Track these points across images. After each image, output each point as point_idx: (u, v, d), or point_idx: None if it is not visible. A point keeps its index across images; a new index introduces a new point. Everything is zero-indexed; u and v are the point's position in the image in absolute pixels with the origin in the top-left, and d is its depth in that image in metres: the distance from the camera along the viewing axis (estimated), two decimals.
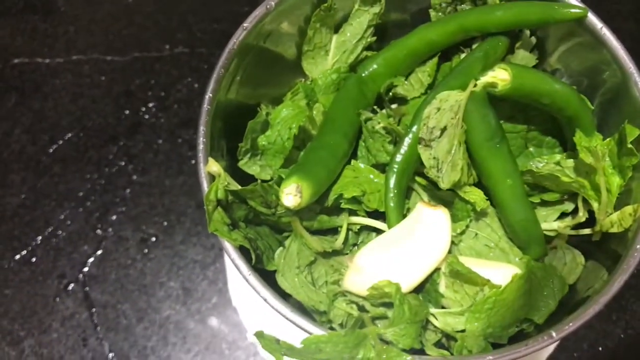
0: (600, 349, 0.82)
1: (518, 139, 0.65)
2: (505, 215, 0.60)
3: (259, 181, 0.55)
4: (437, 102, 0.57)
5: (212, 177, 0.56)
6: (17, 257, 0.87)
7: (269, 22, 0.63)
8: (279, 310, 0.51)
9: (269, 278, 0.58)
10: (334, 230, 0.63)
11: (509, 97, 0.59)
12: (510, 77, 0.57)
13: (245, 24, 0.61)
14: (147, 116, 0.95)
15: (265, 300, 0.52)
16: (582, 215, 0.62)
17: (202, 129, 0.57)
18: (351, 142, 0.63)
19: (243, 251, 0.55)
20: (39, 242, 0.88)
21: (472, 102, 0.57)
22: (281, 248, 0.58)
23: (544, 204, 0.63)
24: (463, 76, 0.61)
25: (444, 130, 0.57)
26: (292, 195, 0.53)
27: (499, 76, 0.58)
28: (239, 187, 0.55)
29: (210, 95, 0.58)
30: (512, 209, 0.59)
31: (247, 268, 0.53)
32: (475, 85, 0.57)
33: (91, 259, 0.88)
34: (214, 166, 0.55)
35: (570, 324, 0.51)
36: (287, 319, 0.51)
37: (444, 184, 0.57)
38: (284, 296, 0.58)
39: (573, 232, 0.62)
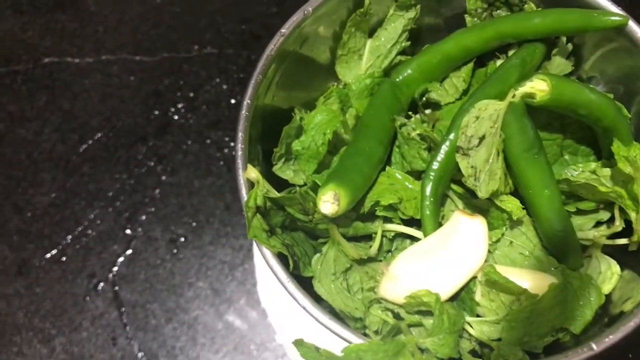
0: (630, 355, 0.82)
1: (554, 146, 0.65)
2: (543, 225, 0.60)
3: (297, 188, 0.55)
4: (476, 111, 0.56)
5: (250, 184, 0.56)
6: (48, 255, 0.88)
7: (306, 27, 0.63)
8: (317, 318, 0.52)
9: (303, 284, 0.58)
10: (368, 237, 0.63)
11: (546, 107, 0.58)
12: (549, 88, 0.57)
13: (283, 30, 0.61)
14: (176, 117, 0.95)
15: (304, 308, 0.52)
16: (618, 225, 0.61)
17: (240, 135, 0.57)
18: (386, 148, 0.63)
19: (280, 257, 0.55)
20: (69, 241, 0.89)
21: (511, 112, 0.57)
22: (318, 254, 0.59)
23: (580, 212, 0.63)
24: (500, 84, 0.61)
25: (482, 139, 0.56)
26: (329, 202, 0.53)
27: (538, 87, 0.57)
28: (277, 194, 0.56)
29: (249, 101, 0.58)
30: (549, 220, 0.59)
31: (286, 275, 0.53)
32: (514, 96, 0.57)
33: (121, 259, 0.88)
34: (253, 173, 0.56)
35: (611, 337, 0.51)
36: (324, 326, 0.51)
37: (482, 193, 0.56)
38: (318, 302, 0.58)
39: (609, 242, 0.62)
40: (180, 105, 0.96)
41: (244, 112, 0.58)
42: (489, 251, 0.62)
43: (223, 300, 0.86)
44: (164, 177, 0.92)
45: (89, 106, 0.97)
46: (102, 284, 0.87)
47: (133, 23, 1.02)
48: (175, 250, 0.88)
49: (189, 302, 0.86)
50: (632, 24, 0.60)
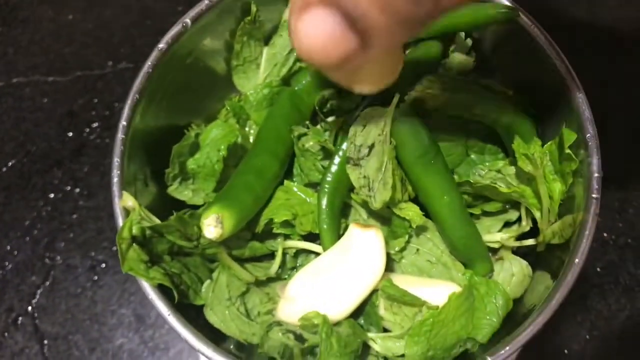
0: (565, 351, 0.80)
1: (458, 147, 0.62)
2: (446, 232, 0.57)
3: (174, 214, 0.52)
4: (362, 119, 0.54)
5: (127, 212, 0.53)
6: None
7: (187, 41, 0.60)
8: (200, 351, 0.49)
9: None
10: (272, 255, 0.60)
11: (439, 110, 0.56)
12: (439, 92, 0.54)
13: (160, 45, 0.58)
14: (92, 137, 0.92)
15: (186, 341, 0.49)
16: (525, 225, 0.59)
17: (115, 160, 0.54)
18: (283, 162, 0.60)
19: (166, 288, 0.52)
20: None
21: (401, 119, 0.54)
22: (209, 281, 0.55)
23: (486, 214, 0.60)
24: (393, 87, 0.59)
25: (371, 147, 0.54)
26: (212, 226, 0.50)
27: (427, 91, 0.55)
28: (156, 221, 0.53)
29: (124, 123, 0.55)
30: (451, 226, 0.56)
31: (167, 308, 0.50)
32: (401, 100, 0.54)
33: (40, 290, 0.85)
34: (129, 200, 0.53)
35: (507, 348, 0.48)
36: (209, 358, 0.48)
37: (376, 204, 0.54)
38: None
39: (517, 244, 0.59)
40: (95, 125, 0.92)
41: (119, 135, 0.55)
42: (396, 260, 0.60)
43: (147, 326, 0.82)
44: (81, 202, 0.88)
45: (1, 132, 0.93)
46: (21, 318, 0.83)
47: (45, 42, 0.98)
48: (95, 277, 0.85)
49: (112, 330, 0.83)
50: (525, 19, 0.57)
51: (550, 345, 0.80)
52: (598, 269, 0.83)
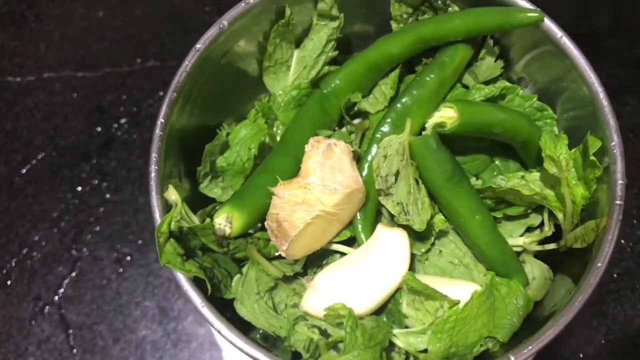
0: (581, 355, 0.81)
1: (483, 152, 0.64)
2: (482, 249, 0.59)
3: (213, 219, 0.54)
4: (382, 150, 0.56)
5: (165, 207, 0.55)
6: None
7: (223, 42, 0.62)
8: (232, 342, 0.50)
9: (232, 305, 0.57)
10: None
11: (459, 133, 0.58)
12: (457, 114, 0.56)
13: (197, 45, 0.60)
14: (119, 132, 0.94)
15: (218, 331, 0.51)
16: (548, 229, 0.60)
17: (154, 156, 0.56)
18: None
19: (199, 281, 0.54)
20: (13, 264, 0.88)
21: (424, 146, 0.57)
22: (239, 275, 0.57)
23: (508, 218, 0.62)
24: (421, 88, 0.61)
25: (397, 174, 0.56)
26: (222, 225, 0.53)
27: (446, 115, 0.57)
28: (195, 221, 0.55)
29: (162, 120, 0.57)
30: (487, 244, 0.58)
31: (201, 299, 0.52)
32: (425, 129, 0.56)
33: (66, 280, 0.87)
34: (173, 195, 0.55)
35: (530, 347, 0.50)
36: (240, 349, 0.50)
37: (418, 226, 0.56)
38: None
39: (539, 248, 0.61)
40: (123, 121, 0.94)
41: (157, 131, 0.56)
42: (421, 262, 0.61)
43: (170, 319, 0.84)
44: (108, 195, 0.91)
45: (31, 126, 0.95)
46: (48, 307, 0.86)
47: (76, 38, 1.00)
48: (121, 270, 0.87)
49: (136, 321, 0.85)
50: (553, 27, 0.59)
51: (567, 349, 0.81)
52: (615, 275, 0.84)
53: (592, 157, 0.55)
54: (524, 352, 0.49)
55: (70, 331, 0.85)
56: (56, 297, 0.86)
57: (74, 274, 0.87)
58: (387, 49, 0.64)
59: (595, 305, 0.83)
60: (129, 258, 0.87)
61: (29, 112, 0.96)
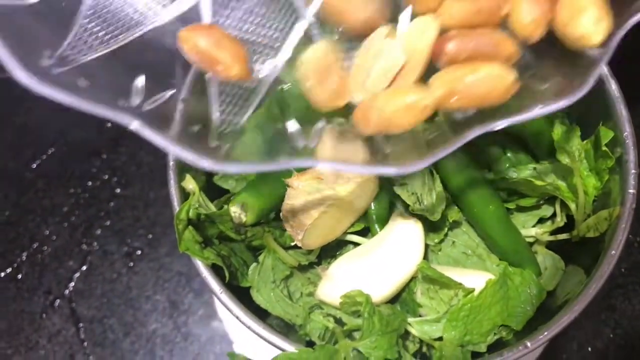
0: (589, 349, 0.82)
1: (494, 145, 0.65)
2: (496, 240, 0.60)
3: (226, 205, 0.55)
4: None
5: (184, 195, 0.56)
6: (3, 274, 0.87)
7: None
8: (250, 327, 0.51)
9: (248, 294, 0.58)
10: None
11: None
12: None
13: None
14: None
15: (237, 318, 0.51)
16: (560, 220, 0.61)
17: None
18: None
19: (216, 269, 0.54)
20: (24, 258, 0.88)
21: None
22: (255, 264, 0.58)
23: (521, 209, 0.62)
24: None
25: None
26: (238, 213, 0.54)
27: None
28: (212, 208, 0.55)
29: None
30: (501, 234, 0.59)
31: (219, 286, 0.52)
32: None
33: (77, 274, 0.87)
34: (191, 184, 0.55)
35: (545, 333, 0.50)
36: (258, 335, 0.51)
37: (434, 216, 0.56)
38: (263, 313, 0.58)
39: (552, 238, 0.61)
40: None
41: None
42: (434, 252, 0.62)
43: (181, 312, 0.85)
44: (118, 190, 0.91)
45: (42, 120, 0.96)
46: (58, 301, 0.86)
47: None
48: (131, 264, 0.87)
49: (147, 315, 0.85)
50: None
51: (575, 342, 0.82)
52: (623, 269, 0.84)
53: (605, 148, 0.56)
54: (539, 338, 0.50)
55: (81, 325, 0.85)
56: (67, 291, 0.86)
57: (84, 268, 0.88)
58: None
59: (604, 299, 0.83)
60: (139, 252, 0.88)
61: (39, 107, 0.96)
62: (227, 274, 0.54)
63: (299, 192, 0.54)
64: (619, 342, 0.82)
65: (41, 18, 0.41)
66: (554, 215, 0.63)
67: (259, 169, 0.44)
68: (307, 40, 0.46)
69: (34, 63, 0.39)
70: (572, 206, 0.59)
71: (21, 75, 0.35)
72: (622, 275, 0.84)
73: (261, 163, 0.44)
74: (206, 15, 0.44)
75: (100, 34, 0.44)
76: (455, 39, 0.41)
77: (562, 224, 0.61)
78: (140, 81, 0.45)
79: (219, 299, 0.52)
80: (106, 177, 0.92)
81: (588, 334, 0.82)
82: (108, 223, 0.90)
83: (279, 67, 0.47)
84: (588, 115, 0.62)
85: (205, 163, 0.37)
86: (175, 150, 0.37)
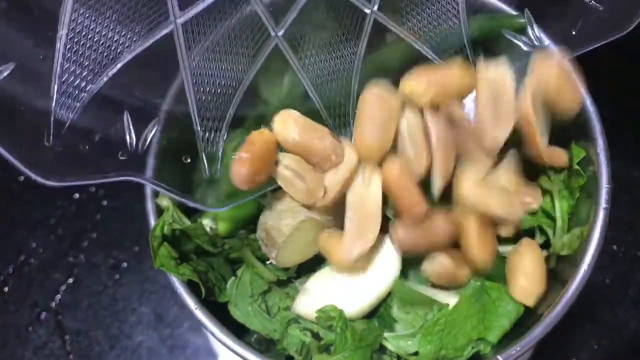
0: None
1: None
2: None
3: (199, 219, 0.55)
4: None
5: (160, 213, 0.56)
6: None
7: None
8: (225, 343, 0.51)
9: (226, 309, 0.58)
10: None
11: None
12: None
13: None
14: None
15: (212, 334, 0.51)
16: (538, 238, 0.61)
17: (151, 162, 0.57)
18: None
19: (193, 284, 0.55)
20: (11, 271, 0.88)
21: None
22: (233, 278, 0.58)
23: None
24: None
25: None
26: (209, 226, 0.54)
27: None
28: (187, 222, 0.55)
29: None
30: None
31: (194, 302, 0.52)
32: None
33: (63, 287, 0.88)
34: (165, 200, 0.56)
35: (518, 348, 0.50)
36: (232, 350, 0.51)
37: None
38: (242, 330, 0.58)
39: None
40: None
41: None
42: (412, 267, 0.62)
43: (166, 325, 0.85)
44: (105, 202, 0.92)
45: None
46: (44, 313, 0.86)
47: None
48: (117, 276, 0.88)
49: (133, 327, 0.85)
50: (542, 34, 0.60)
51: (559, 354, 0.82)
52: (607, 281, 0.84)
53: (577, 167, 0.56)
54: (512, 353, 0.50)
55: (67, 337, 0.85)
56: (53, 304, 0.87)
57: (70, 280, 0.88)
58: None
59: (589, 311, 0.83)
60: (125, 264, 0.88)
61: None
62: (203, 290, 0.54)
63: (272, 209, 0.54)
64: (605, 353, 0.82)
65: (22, 93, 0.42)
66: (532, 231, 0.63)
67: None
68: None
69: (39, 154, 0.41)
70: (550, 232, 0.59)
71: (48, 183, 0.38)
72: (607, 286, 0.85)
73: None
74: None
75: (82, 75, 0.45)
76: None
77: (540, 242, 0.61)
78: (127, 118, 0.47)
79: (194, 314, 0.52)
80: (93, 189, 0.92)
81: (573, 345, 0.82)
82: (94, 235, 0.90)
83: None
84: (560, 125, 0.62)
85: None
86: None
